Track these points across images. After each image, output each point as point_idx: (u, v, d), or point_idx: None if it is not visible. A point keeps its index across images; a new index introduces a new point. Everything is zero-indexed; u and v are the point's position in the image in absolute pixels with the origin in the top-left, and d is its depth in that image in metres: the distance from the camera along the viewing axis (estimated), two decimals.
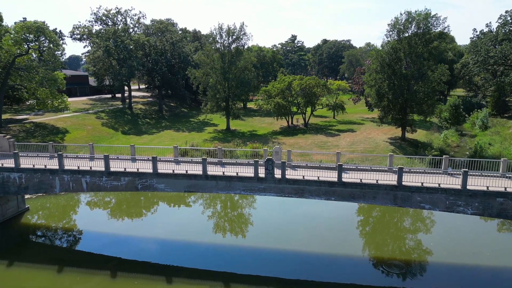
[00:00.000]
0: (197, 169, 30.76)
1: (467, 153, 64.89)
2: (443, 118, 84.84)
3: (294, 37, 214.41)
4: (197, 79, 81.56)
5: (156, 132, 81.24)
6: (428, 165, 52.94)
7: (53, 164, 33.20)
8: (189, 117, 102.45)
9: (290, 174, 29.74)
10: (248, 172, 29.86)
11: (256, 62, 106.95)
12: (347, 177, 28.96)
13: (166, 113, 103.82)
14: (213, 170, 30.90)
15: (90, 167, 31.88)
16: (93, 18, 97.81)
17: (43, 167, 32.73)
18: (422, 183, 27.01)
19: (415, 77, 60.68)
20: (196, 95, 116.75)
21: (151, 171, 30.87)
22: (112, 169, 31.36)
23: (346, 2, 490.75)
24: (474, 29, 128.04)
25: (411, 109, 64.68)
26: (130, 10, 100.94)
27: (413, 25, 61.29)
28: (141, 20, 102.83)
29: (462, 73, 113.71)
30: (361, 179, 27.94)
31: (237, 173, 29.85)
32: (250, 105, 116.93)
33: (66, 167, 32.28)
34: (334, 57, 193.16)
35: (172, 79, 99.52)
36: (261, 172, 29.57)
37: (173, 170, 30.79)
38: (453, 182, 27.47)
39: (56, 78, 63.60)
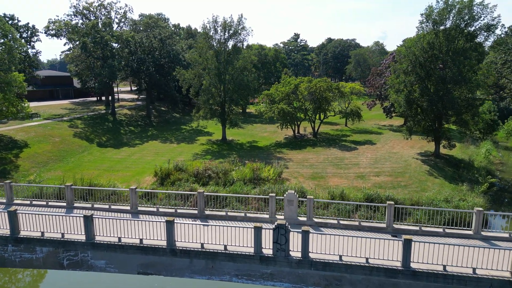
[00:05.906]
0: (161, 236, 18.58)
1: None
2: (476, 128, 72.56)
3: (297, 36, 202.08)
4: (186, 81, 69.11)
5: (139, 143, 68.95)
6: (481, 195, 40.84)
7: None
8: (180, 124, 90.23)
9: (315, 246, 17.49)
10: (245, 245, 17.70)
11: (257, 62, 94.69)
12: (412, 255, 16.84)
13: (155, 119, 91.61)
14: (185, 240, 18.57)
15: None
16: (72, 11, 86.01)
17: None
18: None
19: (456, 80, 48.43)
20: (191, 99, 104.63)
21: (84, 238, 18.76)
22: (22, 234, 19.24)
23: (346, 2, 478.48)
24: (503, 25, 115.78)
25: (447, 119, 52.56)
26: (115, 3, 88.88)
27: (452, 15, 49.22)
28: (128, 14, 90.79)
29: None
30: (444, 266, 15.84)
31: (225, 247, 17.65)
32: (251, 108, 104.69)
33: None
34: (339, 57, 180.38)
35: (161, 80, 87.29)
36: (266, 246, 17.51)
37: (120, 238, 18.59)
38: None
39: (10, 81, 51.44)
